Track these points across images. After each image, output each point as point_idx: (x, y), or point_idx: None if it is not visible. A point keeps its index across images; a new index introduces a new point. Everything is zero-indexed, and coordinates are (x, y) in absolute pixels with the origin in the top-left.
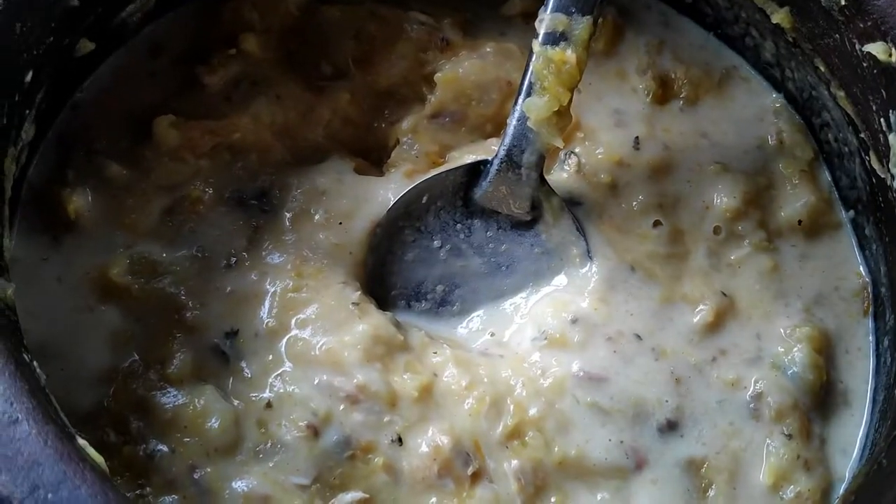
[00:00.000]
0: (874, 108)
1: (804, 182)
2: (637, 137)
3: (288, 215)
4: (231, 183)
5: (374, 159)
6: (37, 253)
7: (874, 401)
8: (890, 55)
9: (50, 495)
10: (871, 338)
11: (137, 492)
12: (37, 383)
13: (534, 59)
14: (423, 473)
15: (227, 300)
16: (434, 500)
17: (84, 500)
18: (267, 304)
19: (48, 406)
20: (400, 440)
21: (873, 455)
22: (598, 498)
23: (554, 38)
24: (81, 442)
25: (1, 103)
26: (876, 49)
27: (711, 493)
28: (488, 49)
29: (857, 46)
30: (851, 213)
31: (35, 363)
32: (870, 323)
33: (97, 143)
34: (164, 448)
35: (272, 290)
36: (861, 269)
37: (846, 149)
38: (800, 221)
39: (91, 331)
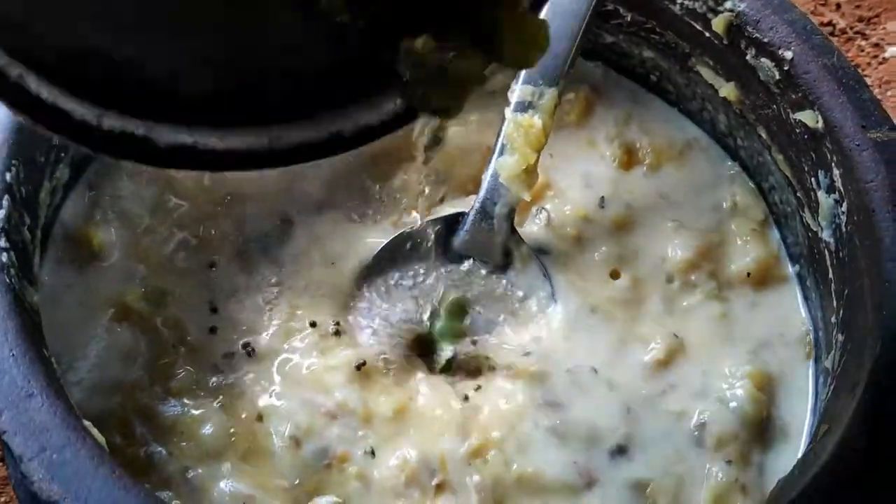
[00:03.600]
0: (806, 168)
1: (754, 240)
2: (602, 197)
3: (288, 256)
4: (237, 226)
5: (366, 211)
6: (63, 280)
7: (810, 434)
8: (817, 122)
9: (55, 455)
10: (810, 379)
11: None
12: (52, 373)
13: (506, 124)
14: (391, 482)
15: (228, 326)
16: None
17: (83, 460)
18: (263, 330)
19: (60, 389)
20: (373, 453)
21: (792, 469)
22: None
23: (523, 107)
24: (86, 423)
25: (41, 143)
26: (805, 117)
27: None
28: (472, 118)
29: (791, 115)
30: (797, 267)
31: (53, 359)
32: (811, 366)
33: (123, 188)
34: (163, 451)
35: (268, 318)
36: (804, 317)
37: (788, 208)
38: (748, 274)
39: (105, 348)
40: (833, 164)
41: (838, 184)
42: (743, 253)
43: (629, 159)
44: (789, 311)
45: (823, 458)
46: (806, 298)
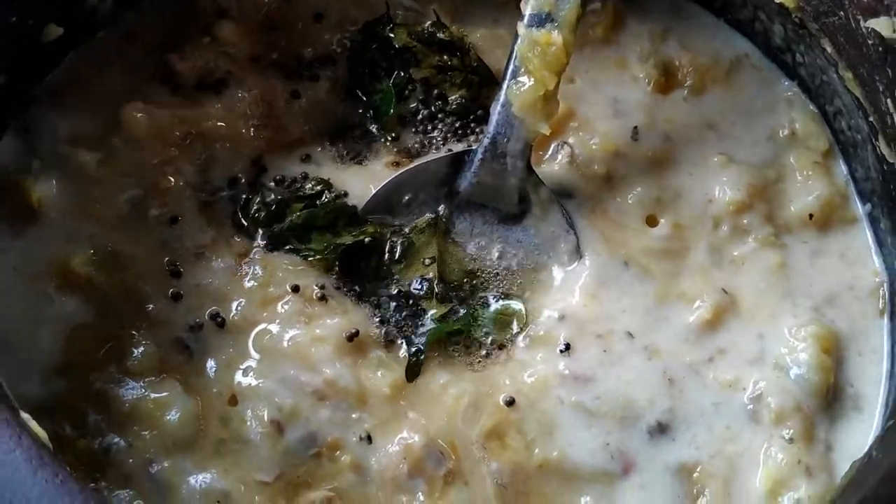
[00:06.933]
0: (881, 88)
1: (818, 174)
2: (636, 128)
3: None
4: (201, 173)
5: (355, 149)
6: None
7: (887, 405)
8: (893, 30)
9: None
10: (886, 339)
11: (92, 485)
12: None
13: (518, 41)
14: (392, 473)
15: (193, 293)
16: (404, 500)
17: (18, 464)
18: (236, 296)
19: None
20: (369, 438)
21: (868, 449)
22: (582, 502)
23: (539, 20)
24: (24, 415)
25: None
26: (879, 25)
27: (704, 499)
28: (479, 35)
29: (862, 23)
30: (868, 206)
31: None
32: (885, 323)
33: (65, 130)
34: (121, 441)
35: (241, 282)
36: (878, 266)
37: (859, 136)
38: (811, 215)
39: (48, 322)
40: None
41: None
42: (804, 191)
43: (667, 81)
44: (860, 258)
45: None
46: (879, 244)
